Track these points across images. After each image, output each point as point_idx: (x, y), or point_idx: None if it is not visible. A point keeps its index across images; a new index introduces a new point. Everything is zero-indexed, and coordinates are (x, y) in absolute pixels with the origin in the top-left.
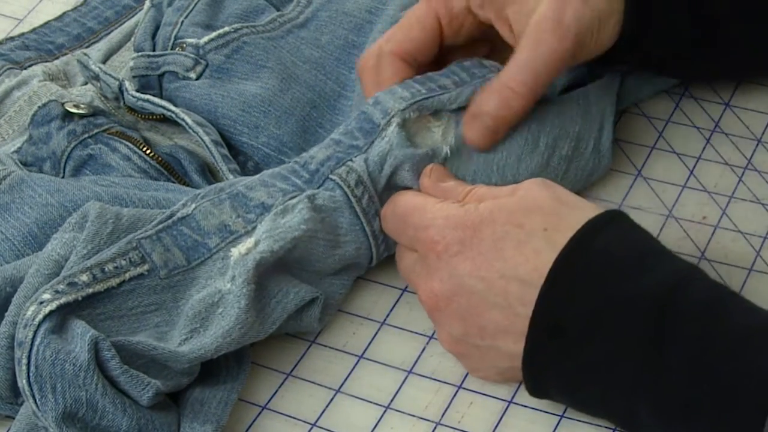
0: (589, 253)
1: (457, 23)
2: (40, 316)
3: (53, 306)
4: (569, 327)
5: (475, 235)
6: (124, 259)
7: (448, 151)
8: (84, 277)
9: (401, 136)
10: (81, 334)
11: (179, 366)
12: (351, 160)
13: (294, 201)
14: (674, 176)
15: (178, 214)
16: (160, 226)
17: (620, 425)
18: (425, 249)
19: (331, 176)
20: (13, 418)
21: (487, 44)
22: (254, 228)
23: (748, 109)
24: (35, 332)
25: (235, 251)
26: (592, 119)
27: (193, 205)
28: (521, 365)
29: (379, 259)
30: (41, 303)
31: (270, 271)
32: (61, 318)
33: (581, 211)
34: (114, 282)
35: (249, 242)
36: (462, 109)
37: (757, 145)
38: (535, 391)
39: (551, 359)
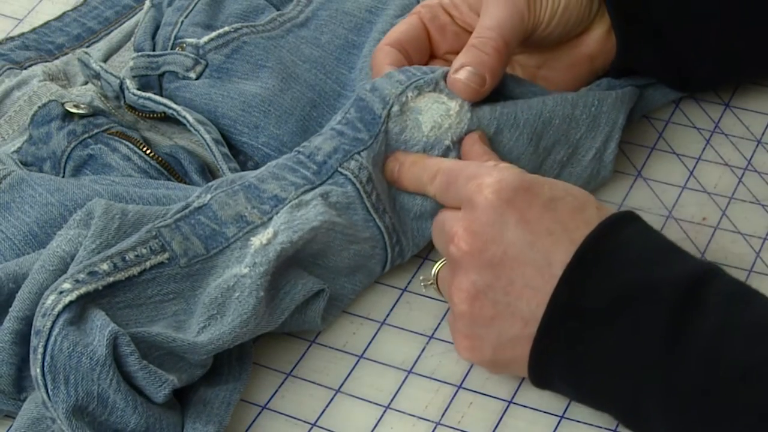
0: (617, 240)
1: (438, 23)
2: (60, 306)
3: (74, 296)
4: (588, 309)
5: (532, 188)
6: (145, 248)
7: (451, 144)
8: (105, 266)
9: (395, 131)
10: (100, 327)
11: (196, 357)
12: (359, 153)
13: (308, 197)
14: (674, 177)
15: (195, 204)
16: (178, 215)
17: (621, 418)
18: (474, 193)
19: (340, 169)
20: (14, 418)
21: None
22: (270, 219)
23: (748, 110)
24: (54, 322)
25: (256, 240)
26: (599, 128)
27: (209, 196)
28: (531, 346)
29: (392, 265)
30: (61, 292)
31: (282, 264)
32: (80, 308)
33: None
34: (135, 270)
35: (268, 232)
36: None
37: (757, 145)
38: (538, 377)
39: (564, 341)
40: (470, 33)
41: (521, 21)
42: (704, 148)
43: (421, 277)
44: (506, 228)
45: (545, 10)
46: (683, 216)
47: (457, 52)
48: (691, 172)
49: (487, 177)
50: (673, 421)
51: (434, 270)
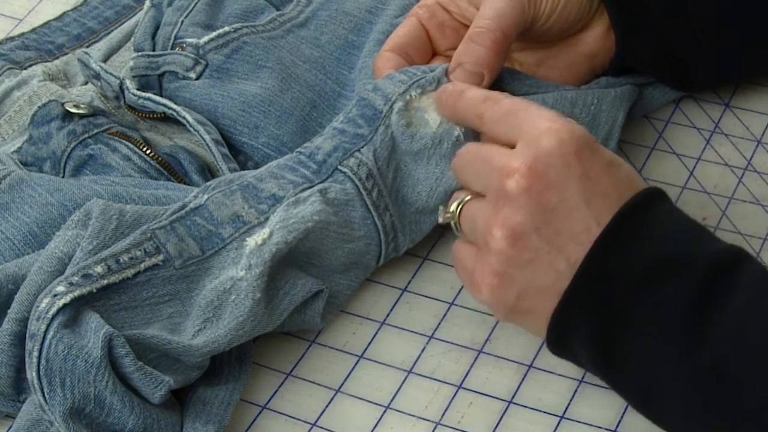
0: (657, 212)
1: (437, 21)
2: (54, 309)
3: (68, 299)
4: (619, 276)
5: (596, 147)
6: (139, 250)
7: (461, 134)
8: (99, 269)
9: (400, 126)
10: (95, 329)
11: (192, 360)
12: (359, 150)
13: (305, 194)
14: (674, 177)
15: (191, 205)
16: (174, 217)
17: (633, 395)
18: (543, 133)
19: (340, 167)
20: (14, 418)
21: None
22: (267, 219)
23: (748, 110)
24: (48, 325)
25: (251, 241)
26: (599, 127)
27: (205, 196)
28: (557, 302)
29: (386, 259)
30: (55, 295)
31: (279, 264)
32: (74, 311)
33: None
34: (129, 273)
35: (264, 233)
36: None
37: (757, 145)
38: (557, 338)
39: (591, 304)
40: (463, 25)
41: (521, 12)
42: (704, 148)
43: (441, 207)
44: (570, 178)
45: (546, 3)
46: None
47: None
48: (691, 172)
49: (555, 122)
50: (686, 399)
51: (456, 205)
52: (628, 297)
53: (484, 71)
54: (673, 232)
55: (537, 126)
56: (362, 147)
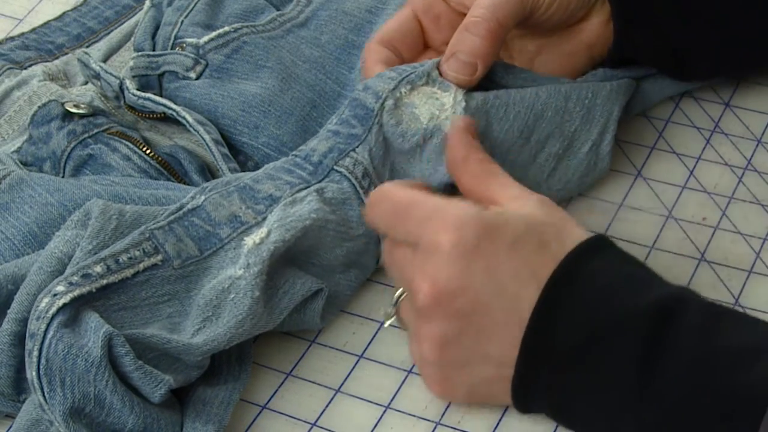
0: (581, 275)
1: (433, 13)
2: (54, 309)
3: (67, 299)
4: (559, 351)
5: (494, 232)
6: (138, 250)
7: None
8: (98, 269)
9: (391, 125)
10: (95, 328)
11: (192, 359)
12: (354, 150)
13: (302, 194)
14: (674, 177)
15: (188, 206)
16: (172, 217)
17: None
18: (432, 241)
19: (336, 167)
20: (14, 417)
21: None
22: (264, 219)
23: (748, 109)
24: (48, 325)
25: (249, 240)
26: (594, 121)
27: (203, 197)
28: (510, 388)
29: None
30: (55, 295)
31: (278, 263)
32: (74, 310)
33: (579, 231)
34: (128, 273)
35: (261, 232)
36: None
37: (757, 145)
38: (521, 407)
39: (541, 384)
40: (461, 14)
41: (520, 1)
42: (704, 148)
43: (382, 311)
44: (473, 277)
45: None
46: (683, 216)
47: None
48: (691, 172)
49: (445, 222)
50: None
51: (395, 300)
52: (575, 368)
53: (477, 61)
54: (601, 294)
55: (428, 230)
56: (357, 147)
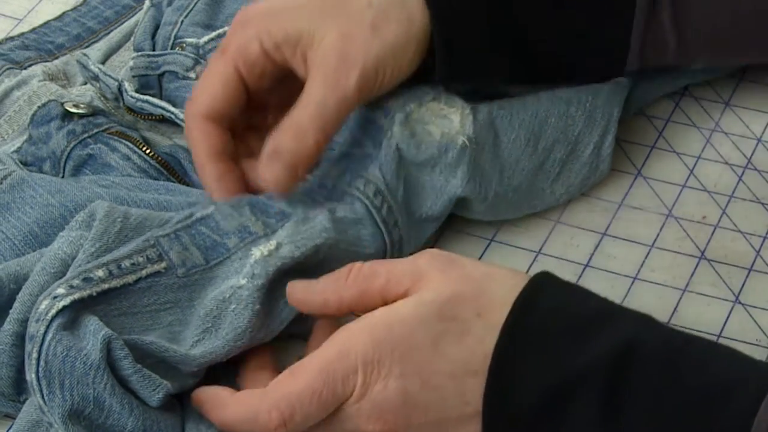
0: (528, 331)
1: (257, 70)
2: (54, 311)
3: (67, 301)
4: (520, 412)
5: (410, 343)
6: (141, 256)
7: (466, 141)
8: (100, 273)
9: (405, 136)
10: (94, 331)
11: (189, 368)
12: (366, 170)
13: (314, 212)
14: (674, 176)
15: (198, 215)
16: (179, 225)
17: None
18: (360, 383)
19: (348, 190)
20: (14, 418)
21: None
22: (274, 232)
23: (748, 109)
24: (47, 327)
25: (257, 251)
26: (595, 123)
27: (213, 206)
28: None
29: None
30: (55, 297)
31: (282, 277)
32: (74, 313)
33: (501, 281)
34: (130, 279)
35: (271, 244)
36: (475, 99)
37: (757, 144)
38: None
39: None
40: (299, 80)
41: (347, 107)
42: (704, 147)
43: None
44: (415, 397)
45: (378, 87)
46: (683, 215)
47: (288, 105)
48: (691, 171)
49: (353, 359)
50: None
51: None
52: (538, 427)
53: (299, 168)
54: (555, 352)
55: (346, 375)
56: (369, 166)
